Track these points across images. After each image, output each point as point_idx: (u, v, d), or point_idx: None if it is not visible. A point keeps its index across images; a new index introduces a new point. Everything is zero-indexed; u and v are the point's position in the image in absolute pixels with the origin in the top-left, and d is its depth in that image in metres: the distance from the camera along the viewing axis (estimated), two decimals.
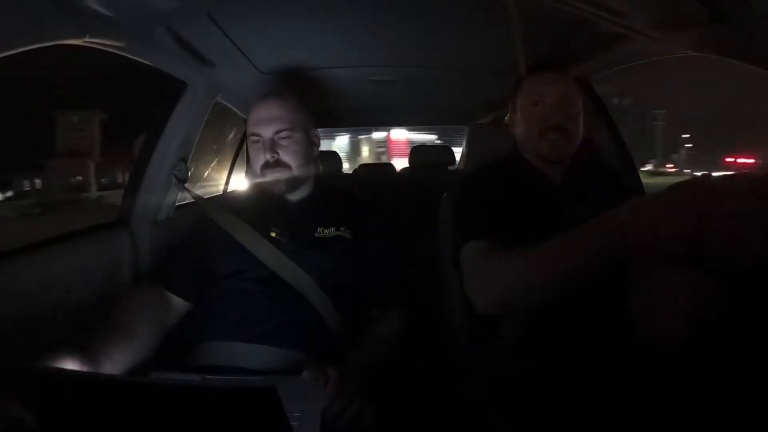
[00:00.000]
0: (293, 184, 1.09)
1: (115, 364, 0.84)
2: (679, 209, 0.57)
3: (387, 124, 2.82)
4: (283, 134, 1.06)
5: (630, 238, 0.61)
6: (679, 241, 0.57)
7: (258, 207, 1.11)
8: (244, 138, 2.31)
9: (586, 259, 0.69)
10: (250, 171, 1.26)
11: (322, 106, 2.03)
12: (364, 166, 3.01)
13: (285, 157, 1.06)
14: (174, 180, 1.37)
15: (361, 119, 2.62)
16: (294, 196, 1.13)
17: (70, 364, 0.77)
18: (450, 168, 2.48)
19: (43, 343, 0.98)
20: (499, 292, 0.84)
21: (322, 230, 1.08)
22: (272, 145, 1.05)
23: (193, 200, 1.42)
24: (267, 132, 1.05)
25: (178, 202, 1.49)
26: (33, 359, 0.93)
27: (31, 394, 0.44)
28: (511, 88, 1.16)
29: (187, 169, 1.40)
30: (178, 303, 1.04)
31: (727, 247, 0.55)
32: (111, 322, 0.90)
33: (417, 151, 2.52)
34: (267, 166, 1.05)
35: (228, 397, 0.41)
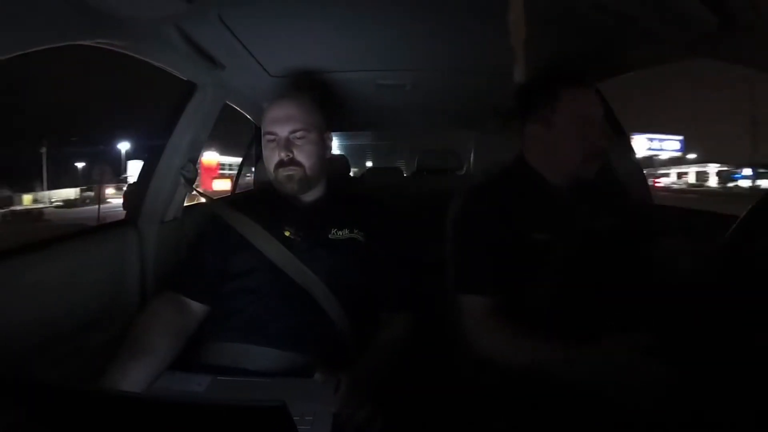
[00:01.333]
0: (306, 183, 1.09)
1: (138, 383, 0.84)
2: None
3: (395, 128, 2.81)
4: (298, 134, 1.07)
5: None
6: None
7: (271, 207, 1.11)
8: (252, 141, 2.33)
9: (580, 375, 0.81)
10: (262, 171, 1.26)
11: (330, 109, 2.03)
12: (372, 170, 3.03)
13: (299, 156, 1.07)
14: (182, 180, 1.38)
15: (369, 123, 2.63)
16: (308, 197, 1.13)
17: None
18: (458, 173, 2.48)
19: (49, 340, 1.00)
20: (497, 358, 0.92)
21: (336, 232, 1.08)
22: (287, 144, 1.06)
23: (200, 201, 1.43)
24: (282, 131, 1.07)
25: (186, 202, 1.50)
26: (37, 355, 0.95)
27: (36, 408, 0.44)
28: (536, 95, 1.06)
29: (196, 170, 1.41)
30: (198, 308, 1.04)
31: None
32: (132, 341, 0.89)
33: (424, 156, 2.52)
34: (281, 164, 1.07)
35: (239, 415, 0.41)
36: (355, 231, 1.10)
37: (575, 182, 1.04)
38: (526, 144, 1.10)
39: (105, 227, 1.28)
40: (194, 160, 1.42)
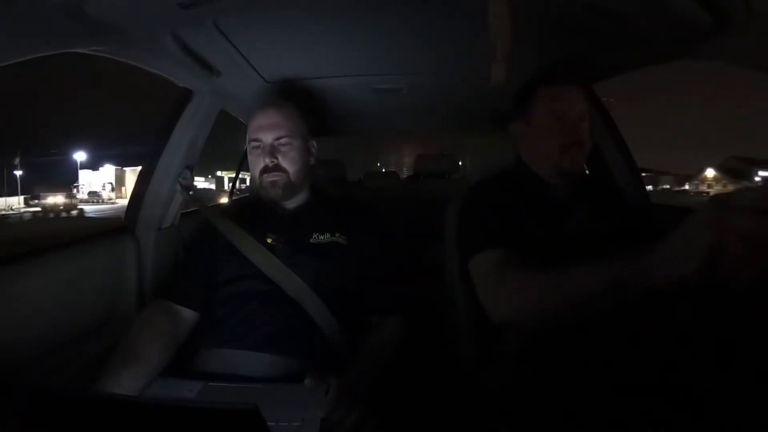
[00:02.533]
0: (290, 189, 1.11)
1: (130, 390, 0.84)
2: (697, 242, 0.59)
3: (392, 131, 2.81)
4: (282, 140, 1.09)
5: (654, 273, 0.64)
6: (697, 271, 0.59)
7: (256, 214, 1.13)
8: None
9: (611, 287, 0.71)
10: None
11: (327, 114, 2.04)
12: (370, 174, 3.04)
13: (284, 162, 1.08)
14: (179, 187, 1.38)
15: (366, 127, 2.64)
16: (291, 204, 1.15)
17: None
18: (454, 176, 2.48)
19: (48, 346, 0.99)
20: (522, 304, 0.85)
21: (318, 236, 1.09)
22: (272, 151, 1.08)
23: (197, 209, 1.43)
24: (267, 138, 1.09)
25: (183, 209, 1.50)
26: (35, 362, 0.94)
27: (34, 413, 0.44)
28: (520, 97, 1.13)
29: (193, 177, 1.41)
30: (189, 314, 1.05)
31: (736, 267, 0.57)
32: (124, 349, 0.91)
33: (421, 160, 2.52)
34: (266, 170, 1.08)
35: (212, 418, 0.41)
36: (337, 234, 1.10)
37: (563, 176, 1.07)
38: (517, 142, 1.15)
39: (103, 235, 1.28)
40: (191, 167, 1.42)
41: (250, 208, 1.17)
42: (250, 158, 1.13)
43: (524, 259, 0.89)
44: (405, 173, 2.65)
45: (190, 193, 1.40)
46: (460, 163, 2.95)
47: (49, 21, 0.78)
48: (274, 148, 1.08)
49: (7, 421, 0.41)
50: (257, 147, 1.10)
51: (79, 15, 0.82)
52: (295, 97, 1.61)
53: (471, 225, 1.06)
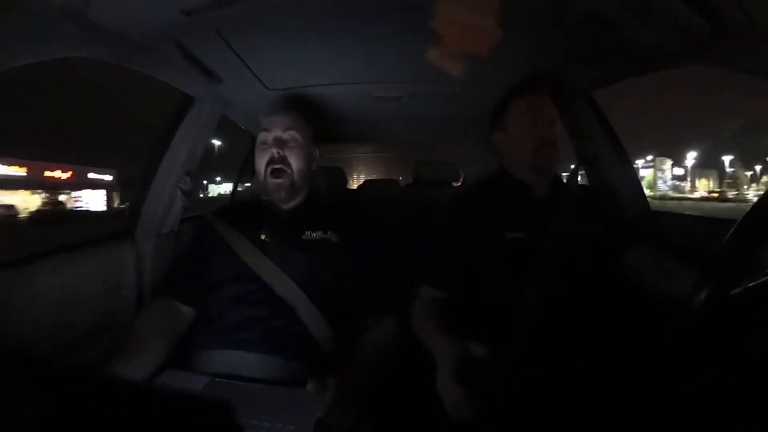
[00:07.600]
0: (292, 190, 1.14)
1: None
2: None
3: (392, 140, 2.80)
4: (291, 133, 1.14)
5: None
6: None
7: (253, 215, 1.16)
8: (249, 152, 2.33)
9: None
10: (254, 178, 1.28)
11: (328, 121, 2.04)
12: (369, 182, 3.03)
13: (290, 157, 1.13)
14: (179, 193, 1.37)
15: (366, 135, 2.63)
16: (287, 205, 1.17)
17: None
18: (454, 184, 2.48)
19: (48, 349, 0.99)
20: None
21: (310, 234, 1.11)
22: (280, 143, 1.12)
23: (197, 214, 1.43)
24: (277, 131, 1.14)
25: (183, 215, 1.50)
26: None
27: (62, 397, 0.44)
28: (497, 108, 1.23)
29: (192, 183, 1.41)
30: (188, 312, 1.07)
31: None
32: (126, 345, 0.93)
33: (421, 167, 2.52)
34: (272, 161, 1.12)
35: (186, 408, 0.41)
36: (329, 232, 1.12)
37: (539, 174, 1.15)
38: (497, 150, 1.25)
39: (102, 240, 1.28)
40: (191, 172, 1.42)
41: (247, 209, 1.20)
42: (257, 153, 1.16)
43: (460, 293, 1.06)
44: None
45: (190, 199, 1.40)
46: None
47: (51, 25, 0.79)
48: (282, 141, 1.13)
49: (35, 400, 0.41)
50: (265, 141, 1.14)
51: (81, 20, 0.82)
52: (296, 104, 1.62)
53: (429, 249, 1.16)
